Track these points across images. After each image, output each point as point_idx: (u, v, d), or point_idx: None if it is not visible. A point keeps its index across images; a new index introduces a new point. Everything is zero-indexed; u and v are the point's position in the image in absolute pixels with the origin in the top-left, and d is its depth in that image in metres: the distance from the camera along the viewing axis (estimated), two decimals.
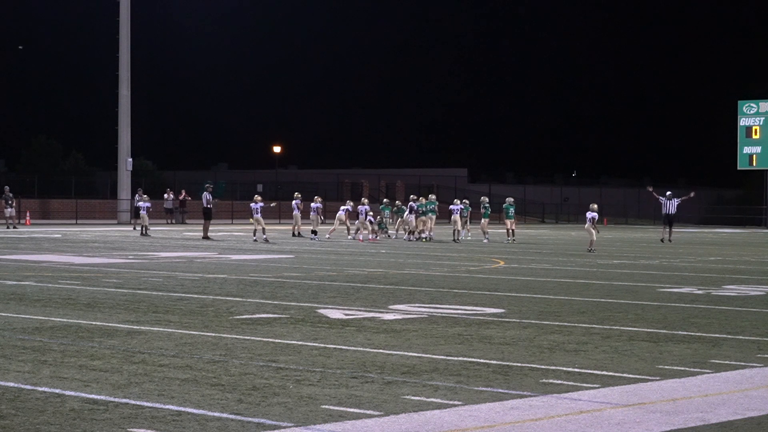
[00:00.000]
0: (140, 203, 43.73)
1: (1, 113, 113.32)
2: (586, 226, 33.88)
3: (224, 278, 20.36)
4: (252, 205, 38.80)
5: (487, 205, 42.53)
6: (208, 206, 39.92)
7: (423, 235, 39.45)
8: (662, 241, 41.57)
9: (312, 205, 41.31)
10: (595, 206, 34.50)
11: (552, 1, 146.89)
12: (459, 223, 40.59)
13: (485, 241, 39.98)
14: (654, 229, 65.62)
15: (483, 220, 41.91)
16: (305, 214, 42.67)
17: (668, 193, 42.78)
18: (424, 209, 39.90)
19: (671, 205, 41.99)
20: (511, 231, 40.61)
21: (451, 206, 41.36)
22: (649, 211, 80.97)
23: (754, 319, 14.43)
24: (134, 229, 48.02)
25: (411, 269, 23.60)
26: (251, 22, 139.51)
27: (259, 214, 38.20)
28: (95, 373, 9.40)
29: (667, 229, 41.93)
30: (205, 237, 38.92)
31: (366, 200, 41.61)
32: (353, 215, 41.60)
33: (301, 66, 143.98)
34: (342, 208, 42.33)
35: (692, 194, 43.73)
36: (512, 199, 42.02)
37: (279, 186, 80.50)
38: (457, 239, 39.76)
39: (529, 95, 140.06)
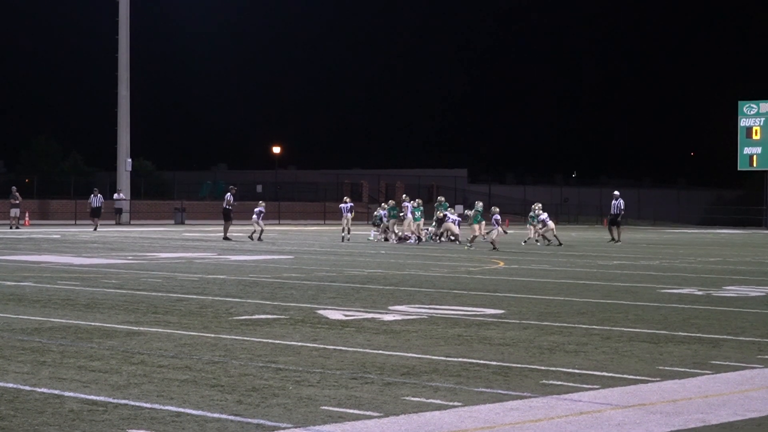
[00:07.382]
0: (230, 206, 39.44)
1: (1, 113, 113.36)
2: (492, 227, 34.42)
3: (224, 279, 20.35)
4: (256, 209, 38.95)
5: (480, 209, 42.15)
6: (228, 207, 39.44)
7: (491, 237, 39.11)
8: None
9: (255, 209, 39.30)
10: (497, 209, 35.90)
11: (552, 1, 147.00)
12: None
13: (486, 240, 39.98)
14: (654, 229, 65.60)
15: (474, 225, 41.34)
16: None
17: (615, 192, 42.15)
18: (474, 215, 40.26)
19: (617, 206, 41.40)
20: (554, 234, 38.81)
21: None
22: (648, 212, 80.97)
23: (755, 320, 14.42)
24: (95, 230, 46.85)
25: (411, 270, 23.59)
26: (251, 22, 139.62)
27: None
28: (94, 373, 9.38)
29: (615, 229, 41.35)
30: (225, 238, 38.39)
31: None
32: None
33: (300, 66, 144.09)
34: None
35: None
36: (540, 205, 40.00)
37: (279, 186, 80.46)
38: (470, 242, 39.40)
39: (529, 95, 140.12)
